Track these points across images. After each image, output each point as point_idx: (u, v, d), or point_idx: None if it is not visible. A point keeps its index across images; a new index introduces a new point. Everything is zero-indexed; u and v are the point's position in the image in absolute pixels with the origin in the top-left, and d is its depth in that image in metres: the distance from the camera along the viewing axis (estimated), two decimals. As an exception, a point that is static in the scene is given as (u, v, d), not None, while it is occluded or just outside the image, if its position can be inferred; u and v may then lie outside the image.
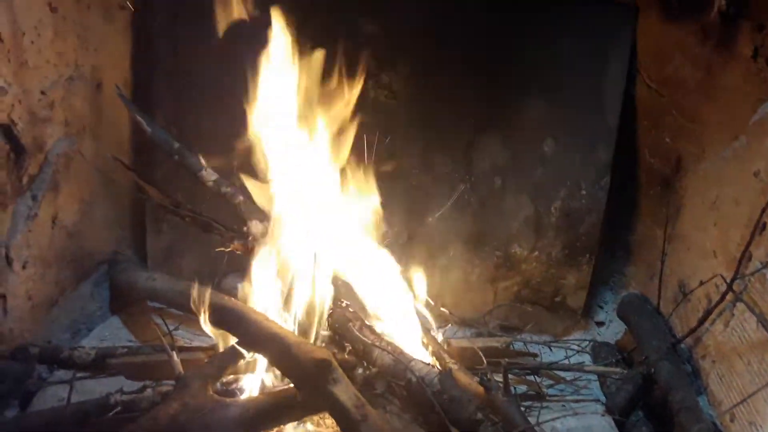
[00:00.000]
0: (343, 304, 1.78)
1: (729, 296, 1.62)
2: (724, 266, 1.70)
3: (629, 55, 1.99)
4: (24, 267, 1.75)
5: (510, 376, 1.61)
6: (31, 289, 1.79)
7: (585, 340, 2.11)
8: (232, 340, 1.64)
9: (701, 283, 1.78)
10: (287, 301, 1.76)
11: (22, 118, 1.68)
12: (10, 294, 1.70)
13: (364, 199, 1.85)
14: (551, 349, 2.04)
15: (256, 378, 1.64)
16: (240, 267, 1.83)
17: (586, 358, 2.02)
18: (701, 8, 1.79)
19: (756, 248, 1.57)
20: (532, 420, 1.59)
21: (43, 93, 1.76)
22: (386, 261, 1.83)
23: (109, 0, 2.00)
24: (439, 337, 1.85)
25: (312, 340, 1.71)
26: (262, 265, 1.75)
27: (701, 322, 1.71)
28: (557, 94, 2.02)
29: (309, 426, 1.61)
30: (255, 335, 1.56)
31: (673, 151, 2.01)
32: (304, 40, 1.77)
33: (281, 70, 1.76)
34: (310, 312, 1.76)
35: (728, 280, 1.60)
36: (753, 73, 1.65)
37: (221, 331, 1.69)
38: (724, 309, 1.67)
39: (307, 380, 1.46)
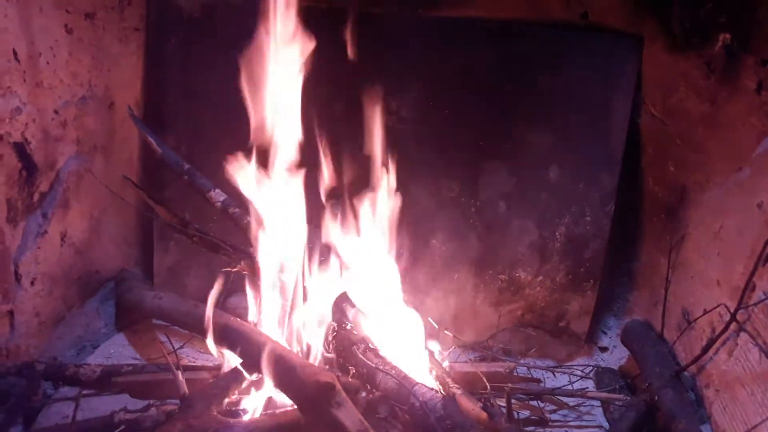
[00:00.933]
0: (347, 327, 1.78)
1: (732, 326, 1.63)
2: (727, 296, 1.71)
3: (634, 84, 2.01)
4: (32, 283, 1.77)
5: (513, 401, 1.61)
6: (38, 306, 1.80)
7: (588, 365, 2.10)
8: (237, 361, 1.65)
9: (705, 312, 1.78)
10: (291, 322, 1.78)
11: (35, 136, 1.70)
12: (18, 310, 1.72)
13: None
14: (554, 375, 2.04)
15: (260, 399, 1.64)
16: (245, 287, 1.85)
17: (590, 384, 2.01)
18: (706, 41, 1.81)
19: (759, 279, 1.57)
20: (535, 446, 1.60)
21: (56, 112, 1.78)
22: (393, 286, 1.84)
23: (124, 22, 2.04)
24: (444, 362, 1.85)
25: (316, 363, 1.72)
26: (266, 285, 1.76)
27: (705, 350, 1.71)
28: (563, 121, 2.04)
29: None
30: (259, 356, 1.56)
31: (677, 180, 2.02)
32: (314, 64, 1.79)
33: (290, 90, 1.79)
34: (314, 334, 1.77)
35: (732, 310, 1.61)
36: (757, 106, 1.66)
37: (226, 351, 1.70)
38: (728, 338, 1.67)
39: (311, 403, 1.46)
